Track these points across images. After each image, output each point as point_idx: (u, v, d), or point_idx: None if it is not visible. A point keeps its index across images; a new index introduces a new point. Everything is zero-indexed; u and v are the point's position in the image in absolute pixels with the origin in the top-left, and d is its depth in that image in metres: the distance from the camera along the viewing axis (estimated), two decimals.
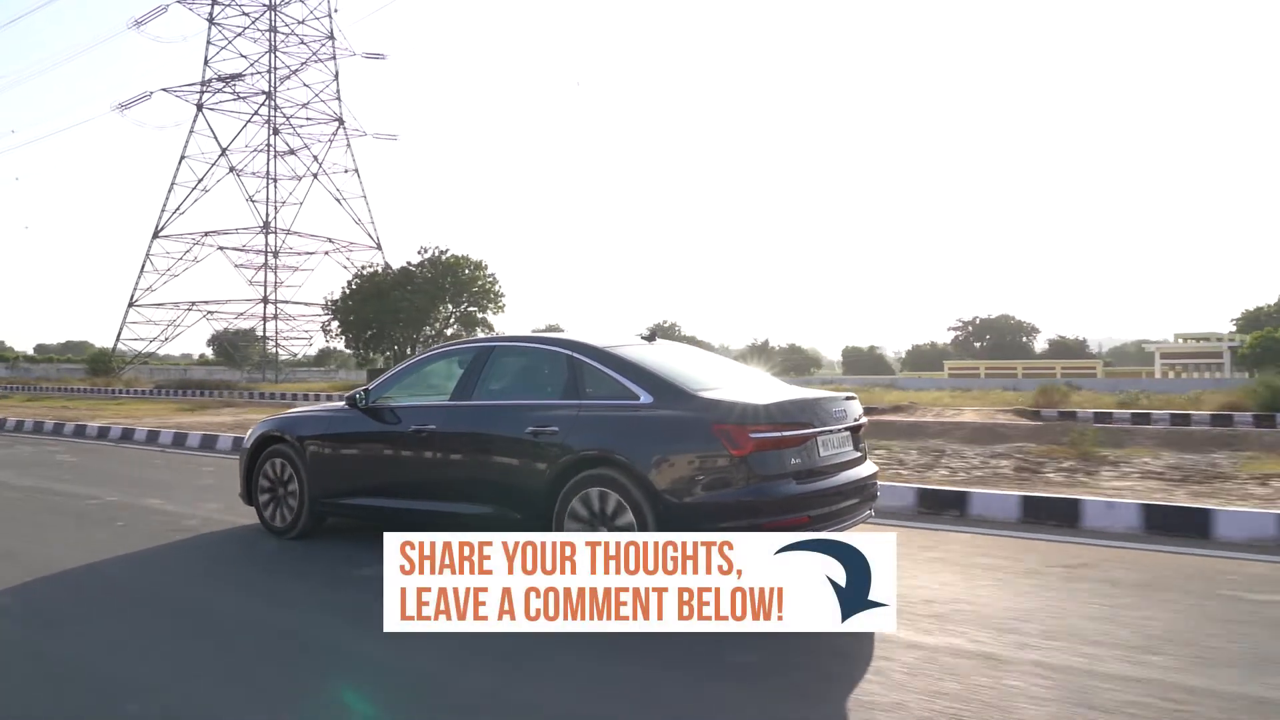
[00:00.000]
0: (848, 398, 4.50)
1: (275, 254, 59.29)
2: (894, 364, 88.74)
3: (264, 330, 60.07)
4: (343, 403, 5.31)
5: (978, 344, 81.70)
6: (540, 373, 4.68)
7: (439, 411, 4.79)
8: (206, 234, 59.09)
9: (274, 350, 60.95)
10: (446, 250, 45.56)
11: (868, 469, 4.50)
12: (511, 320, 43.94)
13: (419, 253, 45.68)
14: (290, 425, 5.51)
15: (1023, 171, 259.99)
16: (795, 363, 62.10)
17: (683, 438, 3.94)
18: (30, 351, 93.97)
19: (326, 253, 62.22)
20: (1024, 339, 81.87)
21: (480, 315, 45.39)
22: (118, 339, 61.13)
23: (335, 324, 46.43)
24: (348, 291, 45.77)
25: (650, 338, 4.93)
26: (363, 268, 48.06)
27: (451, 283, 44.65)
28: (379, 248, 63.00)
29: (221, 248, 60.01)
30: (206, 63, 59.68)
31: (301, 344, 63.75)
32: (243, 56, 59.91)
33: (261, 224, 59.05)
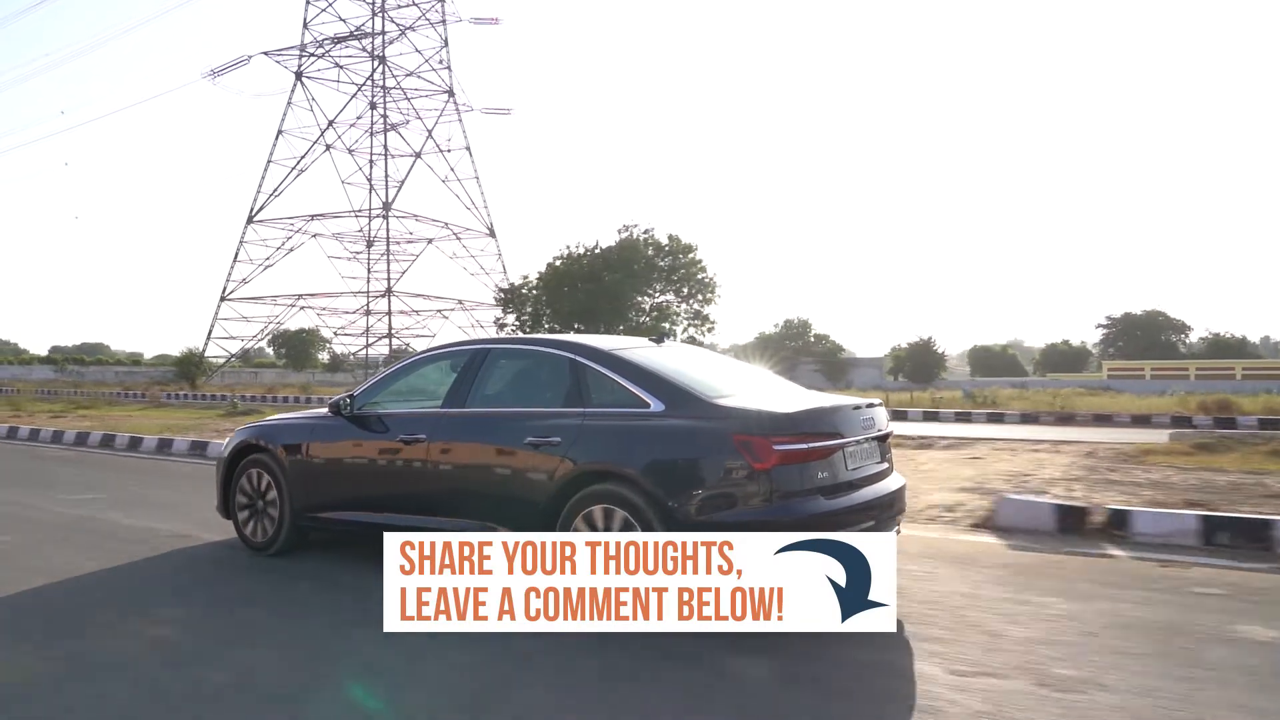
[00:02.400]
0: (873, 404, 4.36)
1: (371, 242, 55.27)
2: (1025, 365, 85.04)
3: (389, 325, 55.06)
4: (326, 409, 5.24)
5: (1120, 343, 77.42)
6: (540, 378, 4.59)
7: (430, 419, 4.69)
8: (312, 217, 54.96)
9: (404, 345, 55.53)
10: (650, 229, 42.15)
11: (896, 481, 4.38)
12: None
13: (618, 231, 42.51)
14: (270, 433, 5.43)
15: (1139, 166, 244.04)
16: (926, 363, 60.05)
17: (699, 450, 3.82)
18: (44, 354, 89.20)
19: (430, 240, 57.74)
20: (1173, 337, 77.14)
21: (680, 306, 41.45)
22: (208, 337, 57.48)
23: (513, 316, 42.87)
24: (545, 274, 42.08)
25: (659, 340, 4.85)
26: (567, 247, 44.12)
27: (662, 268, 41.56)
28: (492, 235, 59.55)
29: (335, 234, 55.92)
30: (306, 25, 56.20)
31: (423, 339, 58.36)
32: (341, 20, 56.39)
33: (383, 204, 54.78)
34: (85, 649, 3.70)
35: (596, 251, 41.47)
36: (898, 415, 20.80)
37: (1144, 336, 74.88)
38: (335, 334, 58.50)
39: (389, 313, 54.79)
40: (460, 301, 57.61)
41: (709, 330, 41.35)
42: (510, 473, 4.32)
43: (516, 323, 42.15)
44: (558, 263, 42.25)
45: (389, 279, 54.97)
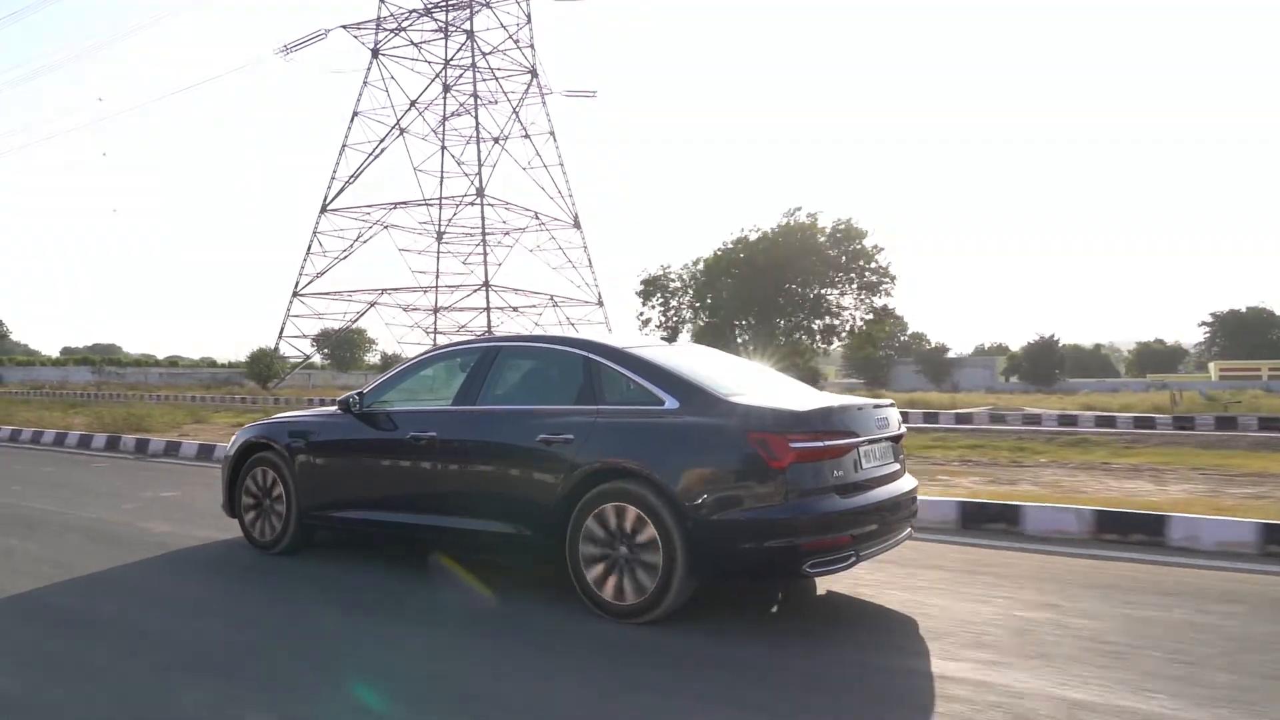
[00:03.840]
0: (881, 405, 4.38)
1: (442, 233, 51.39)
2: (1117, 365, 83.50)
3: (488, 321, 50.80)
4: (334, 407, 5.29)
5: (1223, 342, 76.03)
6: (553, 375, 4.66)
7: (440, 417, 4.75)
8: (394, 205, 51.15)
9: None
10: (816, 214, 38.03)
11: (908, 483, 4.47)
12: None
13: (784, 215, 38.70)
14: (277, 431, 5.50)
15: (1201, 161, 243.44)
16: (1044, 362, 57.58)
17: (714, 447, 3.88)
18: (56, 355, 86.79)
19: (509, 231, 53.42)
20: (1274, 336, 75.96)
21: (848, 298, 37.00)
22: (280, 336, 53.68)
23: (657, 310, 39.01)
24: (710, 261, 38.09)
25: (671, 338, 5.78)
26: (742, 228, 39.94)
27: (832, 256, 37.45)
28: (577, 226, 55.38)
29: (421, 223, 51.69)
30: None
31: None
32: None
33: (476, 190, 50.37)
34: None
35: (770, 234, 37.79)
36: (1223, 421, 17.04)
37: (1253, 334, 73.38)
38: (427, 331, 54.50)
39: (488, 308, 50.04)
40: (551, 297, 54.59)
41: (887, 330, 38.22)
42: (522, 470, 4.36)
43: (662, 318, 39.05)
44: (731, 246, 38.26)
45: (485, 271, 50.12)
